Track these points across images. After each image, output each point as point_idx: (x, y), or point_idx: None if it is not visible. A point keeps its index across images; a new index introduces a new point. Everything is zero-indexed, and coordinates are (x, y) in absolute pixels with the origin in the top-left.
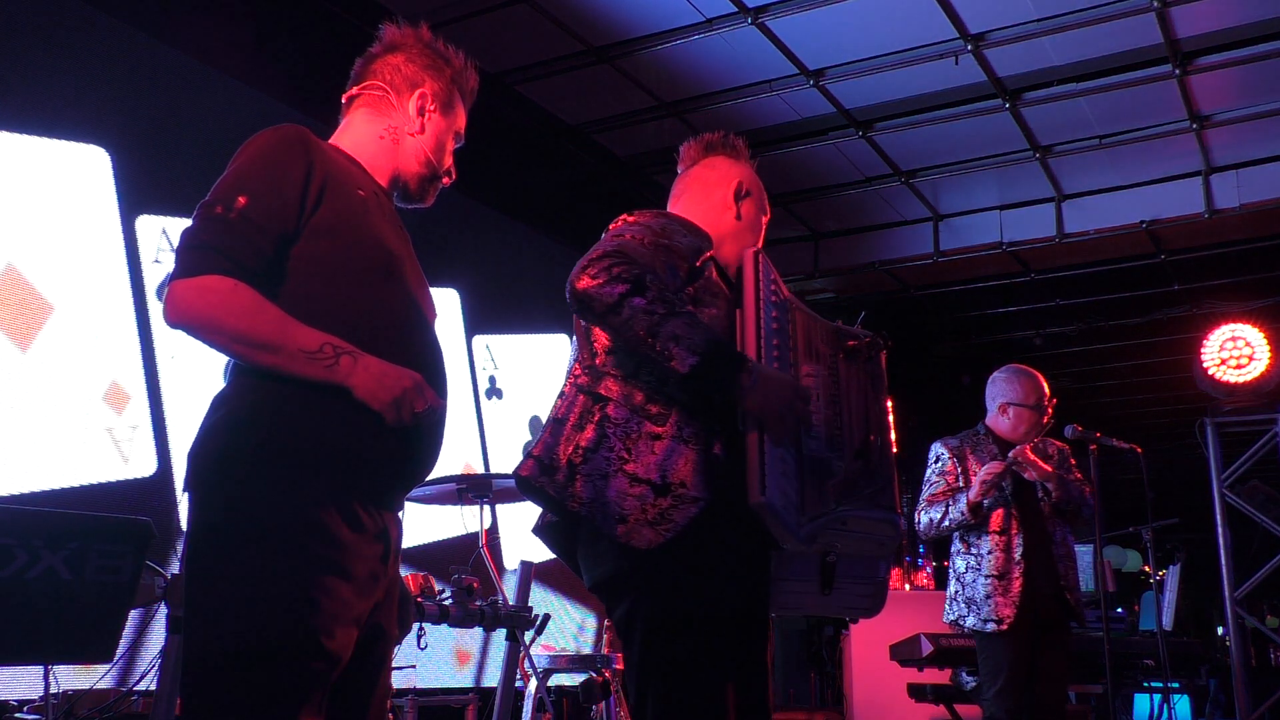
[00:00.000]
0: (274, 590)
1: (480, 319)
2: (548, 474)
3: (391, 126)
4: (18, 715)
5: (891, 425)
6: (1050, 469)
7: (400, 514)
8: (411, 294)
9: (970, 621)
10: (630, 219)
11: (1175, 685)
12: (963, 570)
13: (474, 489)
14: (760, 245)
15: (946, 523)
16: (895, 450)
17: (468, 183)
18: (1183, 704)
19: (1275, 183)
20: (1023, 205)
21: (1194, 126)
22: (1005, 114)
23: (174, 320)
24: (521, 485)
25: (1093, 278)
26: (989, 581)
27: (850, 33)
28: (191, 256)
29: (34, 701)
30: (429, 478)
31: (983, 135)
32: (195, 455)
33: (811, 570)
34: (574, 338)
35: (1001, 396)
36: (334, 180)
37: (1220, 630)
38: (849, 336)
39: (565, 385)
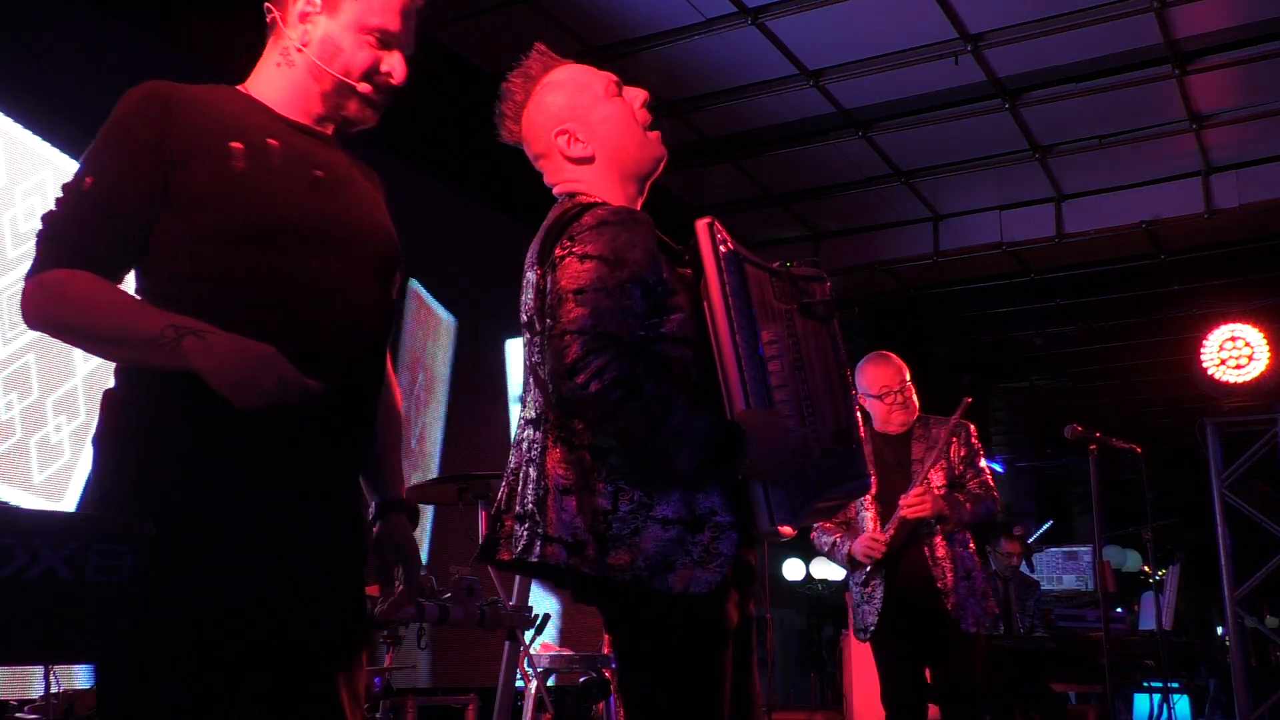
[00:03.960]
0: (156, 600)
1: (480, 319)
2: (576, 553)
3: (284, 49)
4: (18, 715)
5: (850, 378)
6: (939, 507)
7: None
8: (307, 256)
9: (857, 630)
10: (580, 248)
11: (1175, 685)
12: (853, 575)
13: (474, 489)
14: (636, 131)
15: (835, 557)
16: (857, 406)
17: (468, 182)
18: (1182, 704)
19: (1275, 183)
20: (1022, 205)
21: (1193, 126)
22: (1005, 114)
23: (26, 321)
24: (548, 575)
25: (1093, 278)
26: (859, 590)
27: (850, 33)
28: (37, 250)
29: (34, 701)
30: (432, 477)
31: (982, 135)
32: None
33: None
34: (533, 387)
35: (858, 389)
36: (201, 141)
37: (1220, 630)
38: (801, 289)
39: (559, 449)
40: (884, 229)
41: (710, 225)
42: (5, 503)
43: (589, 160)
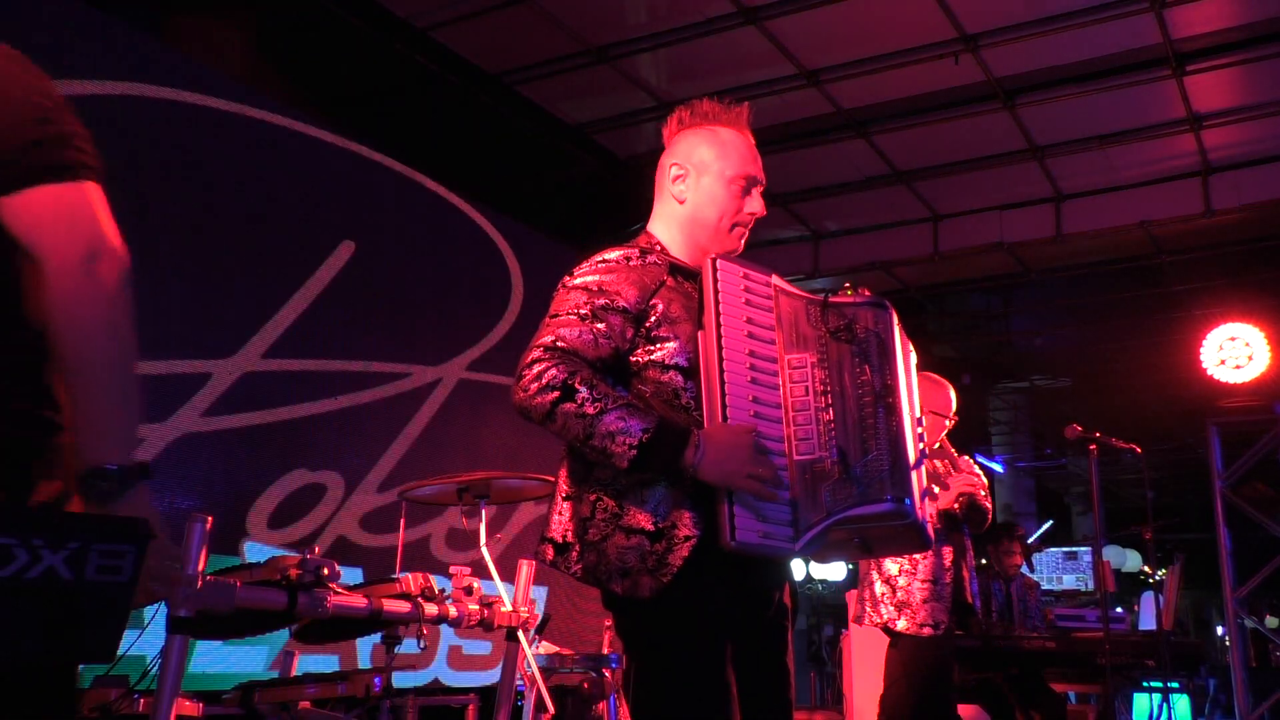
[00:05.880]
0: None
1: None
2: (562, 553)
3: None
4: None
5: (902, 401)
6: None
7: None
8: None
9: (902, 625)
10: (571, 280)
11: (1175, 685)
12: (895, 574)
13: (474, 489)
14: (731, 217)
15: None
16: (906, 426)
17: (468, 184)
18: (1182, 704)
19: (1274, 183)
20: (1021, 205)
21: (1192, 127)
22: (1004, 114)
23: None
24: (549, 565)
25: (1092, 278)
26: (925, 586)
27: (850, 33)
28: None
29: None
30: (433, 480)
31: (982, 135)
32: None
33: (852, 545)
34: None
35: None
36: None
37: (1220, 630)
38: (836, 314)
39: (570, 461)
40: (884, 229)
41: (713, 262)
42: (5, 503)
43: (680, 202)
